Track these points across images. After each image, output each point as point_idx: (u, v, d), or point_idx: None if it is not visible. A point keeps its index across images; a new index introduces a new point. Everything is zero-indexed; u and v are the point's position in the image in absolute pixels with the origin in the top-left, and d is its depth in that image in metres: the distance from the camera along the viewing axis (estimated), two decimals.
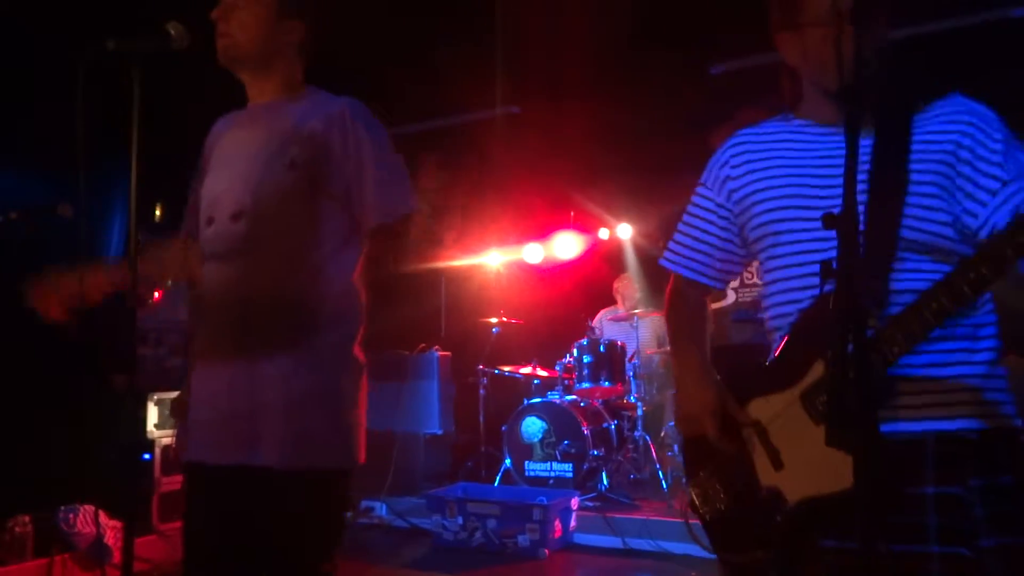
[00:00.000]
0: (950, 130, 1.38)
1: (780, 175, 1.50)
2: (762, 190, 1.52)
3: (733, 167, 1.59)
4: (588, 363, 5.48)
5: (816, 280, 1.28)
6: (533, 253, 6.89)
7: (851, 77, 1.22)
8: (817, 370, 1.35)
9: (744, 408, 1.47)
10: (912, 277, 1.33)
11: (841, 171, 1.27)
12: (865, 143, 1.38)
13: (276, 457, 1.63)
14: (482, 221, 6.83)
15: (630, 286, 6.28)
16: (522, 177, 6.42)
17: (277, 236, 1.69)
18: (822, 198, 1.42)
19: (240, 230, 1.70)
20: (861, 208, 1.34)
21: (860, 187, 1.35)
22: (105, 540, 3.85)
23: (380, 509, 5.40)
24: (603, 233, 6.81)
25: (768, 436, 1.42)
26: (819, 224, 1.27)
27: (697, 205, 1.68)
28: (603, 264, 6.76)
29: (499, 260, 7.02)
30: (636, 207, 6.52)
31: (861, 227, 1.27)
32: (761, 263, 1.56)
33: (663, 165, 5.84)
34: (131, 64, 1.57)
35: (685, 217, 1.71)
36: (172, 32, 1.67)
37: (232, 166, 1.77)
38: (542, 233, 6.82)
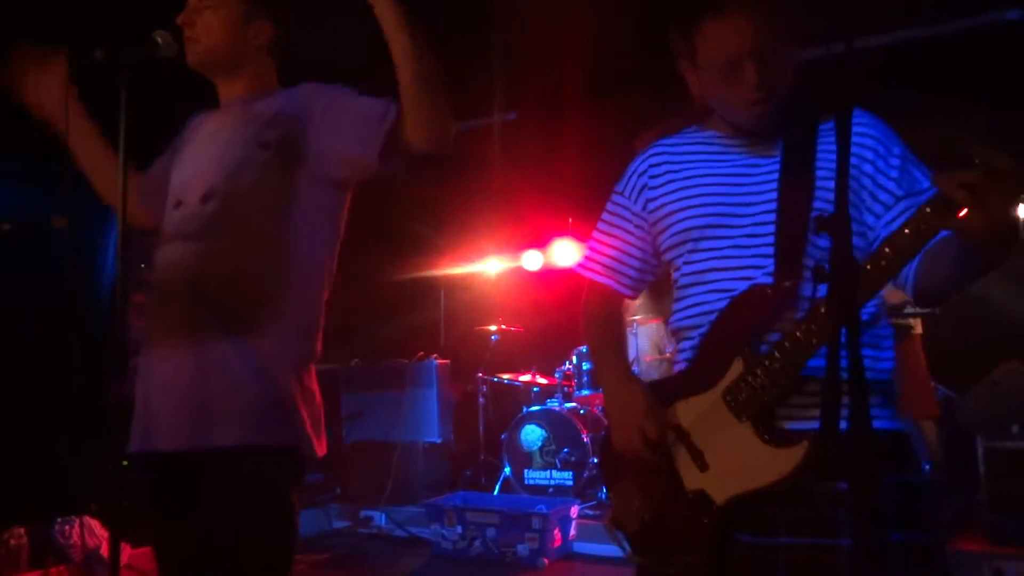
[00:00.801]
0: (855, 143, 1.41)
1: (698, 185, 1.54)
2: (680, 199, 1.55)
3: (652, 176, 1.62)
4: (588, 370, 5.46)
5: (729, 286, 1.43)
6: (532, 260, 6.87)
7: (763, 113, 1.39)
8: (736, 368, 1.37)
9: (666, 412, 1.47)
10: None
11: (753, 183, 1.47)
12: (775, 159, 1.46)
13: (227, 437, 1.59)
14: (480, 228, 6.82)
15: None
16: (520, 184, 6.41)
17: (247, 217, 1.67)
18: (738, 211, 1.48)
19: (209, 210, 1.68)
20: (772, 219, 1.42)
21: (769, 198, 1.44)
22: (101, 552, 3.83)
23: (379, 519, 5.37)
24: None
25: (691, 439, 1.42)
26: (735, 233, 1.46)
27: (614, 213, 1.71)
28: None
29: (497, 267, 7.01)
30: None
31: (771, 239, 1.41)
32: (674, 271, 1.59)
33: None
34: (119, 73, 1.56)
35: (601, 224, 1.74)
36: (159, 40, 1.66)
37: (204, 152, 1.77)
38: (540, 240, 6.80)
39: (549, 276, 6.89)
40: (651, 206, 1.61)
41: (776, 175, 1.45)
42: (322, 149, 1.70)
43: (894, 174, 1.41)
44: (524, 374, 5.95)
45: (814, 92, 1.47)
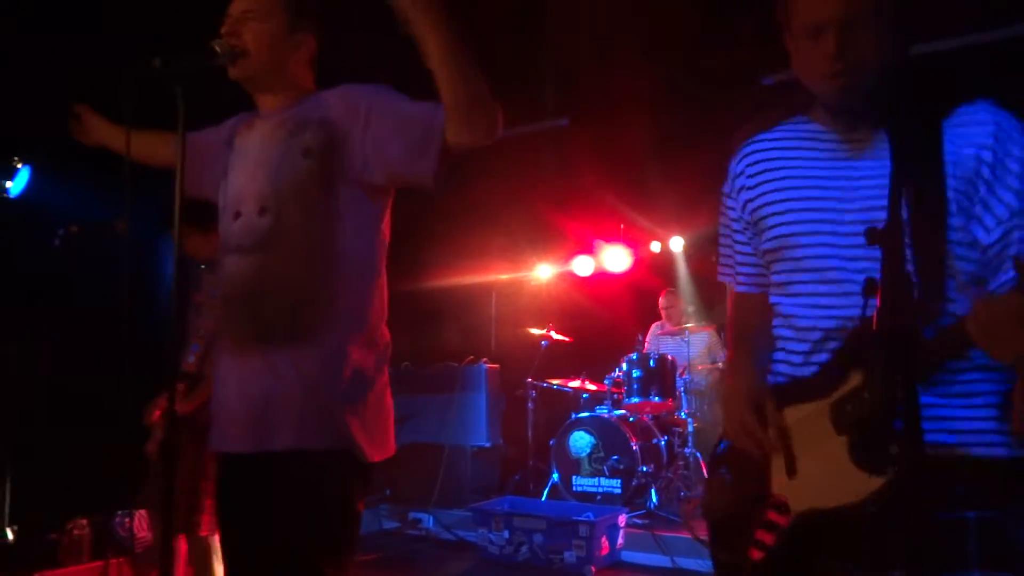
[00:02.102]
0: (974, 143, 1.29)
1: (794, 187, 1.46)
2: (777, 202, 1.48)
3: (748, 176, 1.56)
4: (638, 377, 5.41)
5: (837, 292, 1.35)
6: (583, 266, 6.85)
7: (844, 88, 1.29)
8: (853, 380, 1.27)
9: (778, 413, 1.42)
10: (957, 299, 1.29)
11: (854, 180, 1.37)
12: (882, 151, 1.35)
13: (287, 441, 1.64)
14: (532, 233, 6.83)
15: (675, 301, 6.19)
16: (571, 190, 6.40)
17: (296, 229, 1.70)
18: (835, 216, 1.39)
19: (266, 224, 1.71)
20: (905, 223, 1.26)
21: (871, 197, 1.34)
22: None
23: (427, 521, 5.41)
24: (654, 246, 6.74)
25: (790, 443, 1.39)
26: (837, 234, 1.36)
27: (723, 214, 1.66)
28: (654, 277, 6.68)
29: (548, 272, 7.00)
30: (687, 220, 6.43)
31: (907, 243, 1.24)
32: (775, 273, 1.51)
33: (715, 177, 5.75)
34: (176, 82, 1.60)
35: (720, 228, 1.69)
36: (217, 49, 1.70)
37: (253, 161, 1.79)
38: (592, 246, 6.78)
39: (600, 281, 6.86)
40: (749, 207, 1.55)
41: (880, 172, 1.34)
42: (368, 157, 1.71)
43: (1014, 183, 1.27)
44: (573, 380, 5.92)
45: (933, 82, 1.39)
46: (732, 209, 1.61)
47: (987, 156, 1.28)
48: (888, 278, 1.01)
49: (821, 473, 1.31)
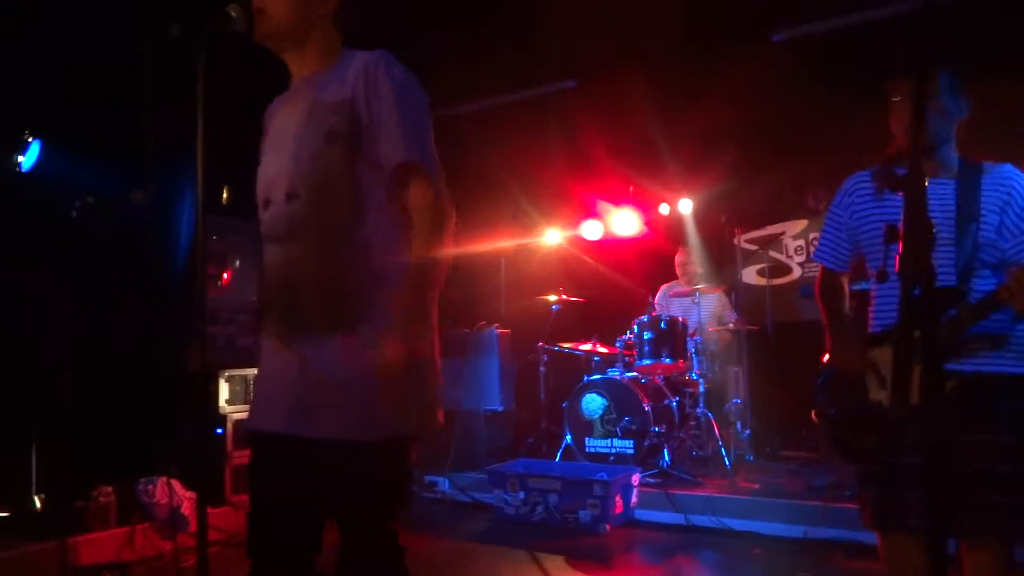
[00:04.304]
0: (1003, 187, 2.11)
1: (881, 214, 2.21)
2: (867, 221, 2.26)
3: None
4: (649, 339, 5.44)
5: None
6: (592, 230, 6.85)
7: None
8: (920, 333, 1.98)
9: (868, 351, 2.18)
10: (984, 282, 2.07)
11: (938, 213, 2.09)
12: (950, 185, 2.12)
13: (327, 429, 1.69)
14: (540, 198, 6.82)
15: (690, 259, 6.19)
16: (579, 153, 6.37)
17: (324, 215, 1.71)
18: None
19: (294, 210, 1.72)
20: (950, 229, 2.09)
21: (948, 216, 2.09)
22: (182, 510, 4.03)
23: (443, 484, 5.49)
24: (663, 208, 6.73)
25: (879, 369, 2.15)
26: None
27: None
28: (663, 239, 6.68)
29: (557, 238, 7.01)
30: (697, 181, 6.40)
31: (949, 242, 2.07)
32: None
33: (724, 137, 5.73)
34: (195, 48, 1.61)
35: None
36: (233, 15, 1.71)
37: (281, 146, 1.79)
38: (600, 210, 6.77)
39: (609, 245, 6.86)
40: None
41: (952, 201, 2.11)
42: (369, 140, 1.73)
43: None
44: (585, 343, 5.96)
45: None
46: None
47: (1008, 198, 2.10)
48: (909, 224, 1.08)
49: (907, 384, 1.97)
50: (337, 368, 1.69)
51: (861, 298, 2.42)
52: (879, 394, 2.14)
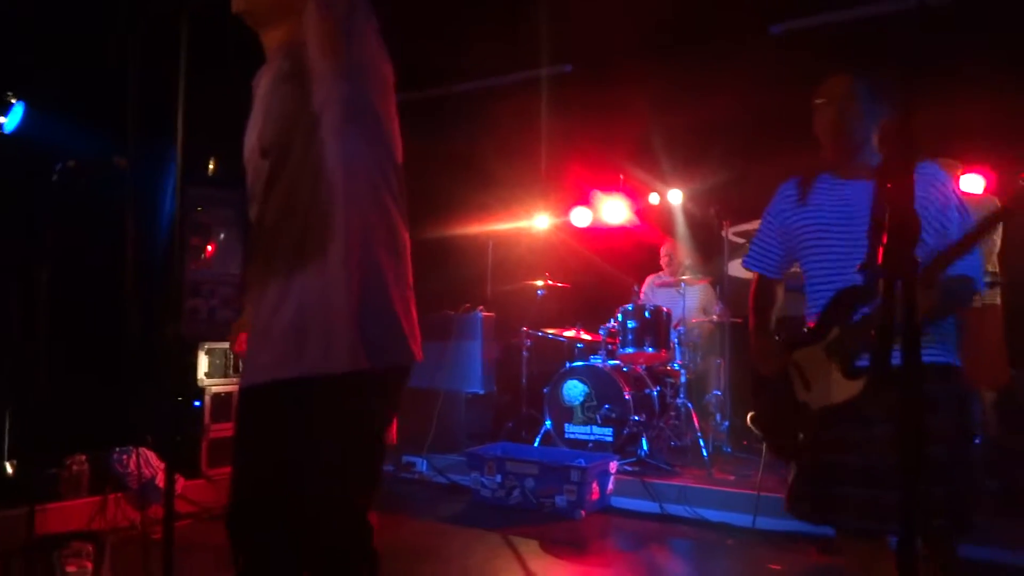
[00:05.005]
0: (925, 186, 2.08)
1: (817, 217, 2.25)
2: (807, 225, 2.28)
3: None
4: (632, 328, 5.45)
5: (837, 281, 2.14)
6: (581, 216, 6.83)
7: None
8: (834, 332, 2.13)
9: (791, 354, 2.24)
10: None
11: (855, 214, 2.14)
12: (868, 186, 2.13)
13: (252, 375, 1.64)
14: (530, 183, 6.79)
15: (677, 251, 6.19)
16: (572, 139, 6.33)
17: (293, 161, 1.66)
18: (846, 230, 2.17)
19: (268, 165, 1.69)
20: (863, 229, 2.10)
21: (863, 216, 2.11)
22: (155, 481, 4.00)
23: (421, 465, 5.50)
24: (653, 198, 6.71)
25: (803, 371, 2.20)
26: (839, 248, 2.17)
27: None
28: (652, 229, 6.67)
29: (546, 223, 6.99)
30: (688, 172, 6.39)
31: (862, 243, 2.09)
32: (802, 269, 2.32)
33: (718, 128, 5.70)
34: (181, 16, 1.57)
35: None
36: None
37: (255, 112, 1.77)
38: (590, 197, 6.74)
39: (598, 233, 6.85)
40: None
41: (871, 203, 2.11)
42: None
43: (940, 213, 2.10)
44: (569, 330, 5.96)
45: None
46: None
47: (931, 196, 2.10)
48: (895, 218, 1.10)
49: (825, 385, 2.11)
50: (269, 313, 1.64)
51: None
52: (805, 394, 2.19)
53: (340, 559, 1.65)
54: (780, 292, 2.48)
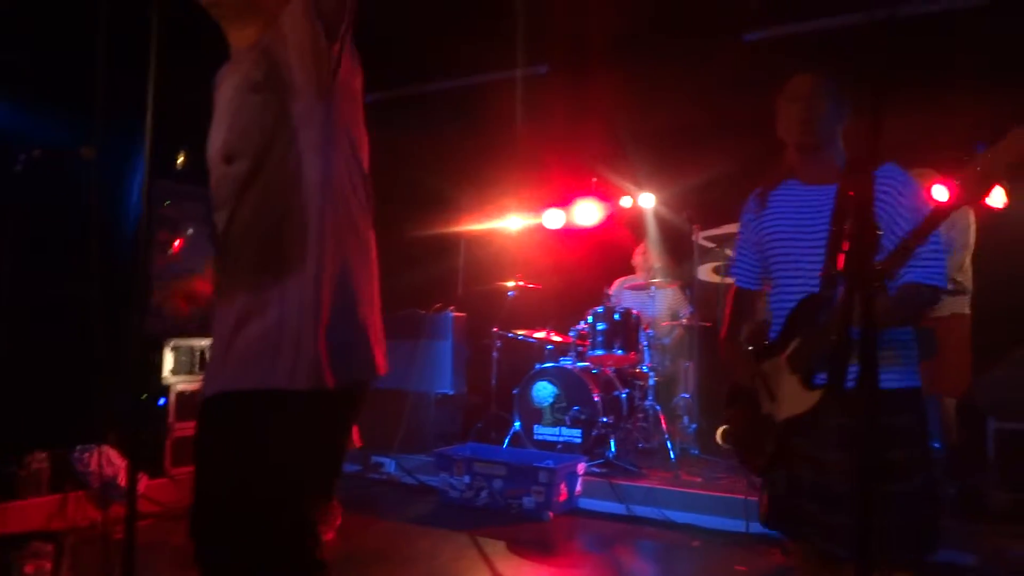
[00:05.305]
0: (882, 190, 2.05)
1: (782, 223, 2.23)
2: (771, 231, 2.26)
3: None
4: (602, 330, 5.47)
5: (798, 289, 2.14)
6: (553, 218, 6.84)
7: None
8: (795, 343, 2.10)
9: (758, 365, 2.21)
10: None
11: (816, 220, 2.13)
12: (829, 191, 2.11)
13: (210, 386, 1.62)
14: (503, 184, 6.79)
15: (648, 254, 6.23)
16: (545, 140, 6.34)
17: (260, 167, 1.63)
18: (807, 237, 2.15)
19: (232, 171, 1.65)
20: (822, 235, 2.10)
21: (823, 222, 2.10)
22: (117, 480, 3.93)
23: (389, 465, 5.47)
24: (625, 201, 6.75)
25: (768, 382, 2.17)
26: (801, 255, 2.16)
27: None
28: (623, 233, 6.70)
29: (519, 224, 6.99)
30: (661, 176, 6.43)
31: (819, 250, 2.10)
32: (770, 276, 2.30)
33: (691, 134, 5.75)
34: (151, 6, 1.54)
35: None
36: None
37: (219, 115, 1.71)
38: (563, 199, 6.76)
39: (570, 235, 6.86)
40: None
41: (832, 206, 2.11)
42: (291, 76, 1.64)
43: (902, 216, 2.03)
44: (539, 331, 5.97)
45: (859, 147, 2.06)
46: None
47: (890, 200, 2.04)
48: (856, 235, 1.12)
49: (789, 396, 2.08)
50: (230, 325, 1.61)
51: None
52: (770, 406, 2.15)
53: (289, 571, 1.64)
54: (759, 303, 2.43)
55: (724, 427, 2.35)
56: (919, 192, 2.05)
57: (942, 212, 1.81)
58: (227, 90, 1.71)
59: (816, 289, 2.07)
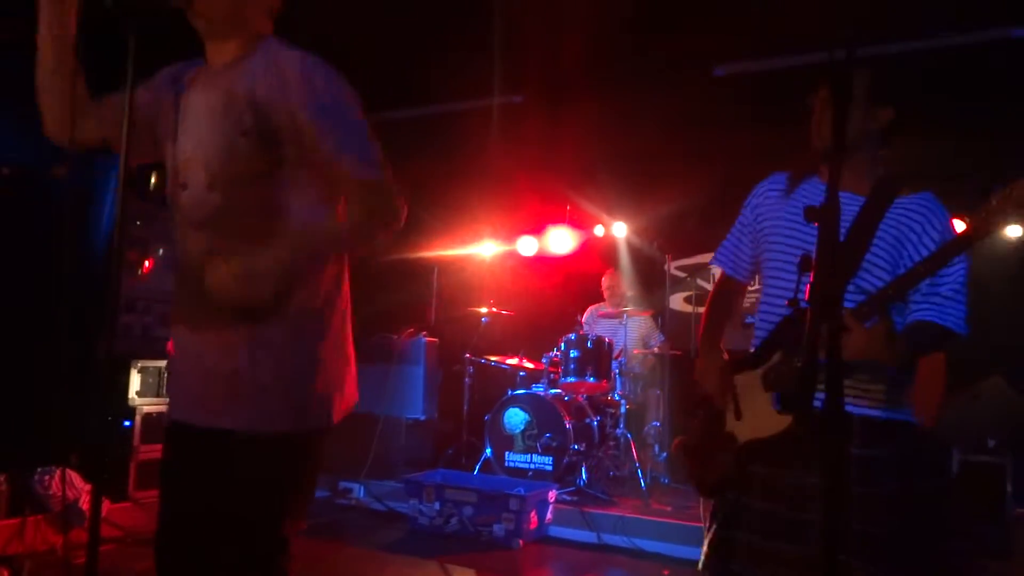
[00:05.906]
0: (913, 218, 1.88)
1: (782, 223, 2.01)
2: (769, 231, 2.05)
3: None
4: (575, 358, 5.48)
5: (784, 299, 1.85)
6: (527, 246, 6.88)
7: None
8: (776, 358, 1.94)
9: (731, 378, 2.02)
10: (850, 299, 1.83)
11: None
12: (859, 200, 1.90)
13: (232, 421, 1.65)
14: (477, 211, 6.82)
15: (619, 282, 6.28)
16: (520, 168, 6.40)
17: (245, 207, 1.66)
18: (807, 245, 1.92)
19: (215, 200, 1.66)
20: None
21: (842, 231, 1.80)
22: (79, 504, 3.84)
23: (358, 491, 5.40)
24: (598, 230, 6.81)
25: (738, 397, 2.00)
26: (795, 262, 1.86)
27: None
28: (596, 260, 6.76)
29: (492, 251, 7.02)
30: (633, 206, 6.51)
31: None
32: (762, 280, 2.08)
33: (663, 164, 5.84)
34: (128, 23, 1.54)
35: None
36: None
37: (196, 131, 1.72)
38: (537, 226, 6.81)
39: (543, 262, 6.91)
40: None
41: (851, 219, 1.90)
42: (296, 143, 1.67)
43: (928, 249, 1.85)
44: (511, 357, 5.97)
45: (898, 174, 1.96)
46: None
47: (917, 229, 1.87)
48: (823, 251, 1.13)
49: (757, 416, 1.94)
50: (244, 357, 1.64)
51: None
52: (734, 424, 1.98)
53: None
54: (741, 300, 2.27)
55: (680, 437, 2.19)
56: (950, 227, 1.88)
57: (960, 243, 1.71)
58: (209, 114, 1.71)
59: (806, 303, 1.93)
